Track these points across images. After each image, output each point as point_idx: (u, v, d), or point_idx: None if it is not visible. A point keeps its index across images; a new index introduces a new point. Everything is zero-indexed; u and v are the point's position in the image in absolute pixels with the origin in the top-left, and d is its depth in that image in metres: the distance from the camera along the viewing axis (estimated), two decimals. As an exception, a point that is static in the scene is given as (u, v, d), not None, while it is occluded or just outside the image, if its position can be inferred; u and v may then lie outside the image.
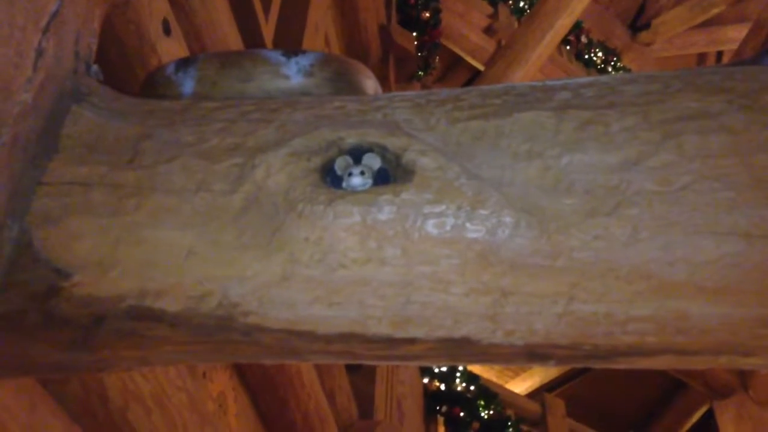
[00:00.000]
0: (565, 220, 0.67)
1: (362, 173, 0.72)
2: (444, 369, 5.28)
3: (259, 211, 0.72)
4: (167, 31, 1.51)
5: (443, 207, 0.69)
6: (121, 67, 1.38)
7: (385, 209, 0.69)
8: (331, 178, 0.73)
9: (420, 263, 0.69)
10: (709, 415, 8.47)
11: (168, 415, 1.35)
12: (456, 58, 7.79)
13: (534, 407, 5.92)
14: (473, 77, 7.71)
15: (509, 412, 5.45)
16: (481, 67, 7.32)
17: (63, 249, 0.72)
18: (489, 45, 7.51)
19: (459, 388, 5.26)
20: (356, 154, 0.73)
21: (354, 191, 0.71)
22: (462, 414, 5.23)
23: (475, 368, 5.66)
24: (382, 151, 0.73)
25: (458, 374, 5.30)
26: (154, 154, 0.76)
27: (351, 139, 0.74)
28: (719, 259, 0.64)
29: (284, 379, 2.27)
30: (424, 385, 5.17)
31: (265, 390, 2.21)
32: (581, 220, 0.67)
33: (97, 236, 0.72)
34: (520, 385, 8.88)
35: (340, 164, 0.73)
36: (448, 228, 0.68)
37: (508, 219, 0.67)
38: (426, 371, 5.20)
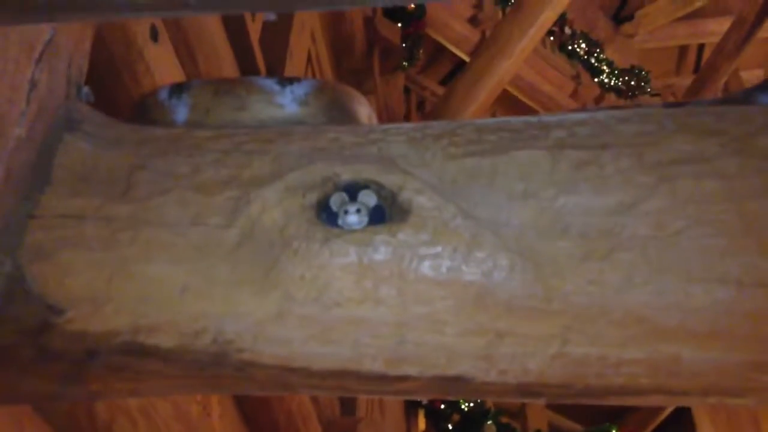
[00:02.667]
0: (560, 264, 0.67)
1: (358, 211, 0.72)
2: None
3: (254, 247, 0.72)
4: (155, 36, 1.50)
5: (439, 248, 0.69)
6: (108, 73, 1.37)
7: (381, 249, 0.69)
8: (326, 214, 0.73)
9: (415, 304, 0.69)
10: (684, 406, 8.59)
11: (154, 425, 1.35)
12: (440, 48, 7.77)
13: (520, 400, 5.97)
14: (457, 68, 7.69)
15: (489, 404, 5.49)
16: (465, 58, 7.31)
17: (56, 284, 0.71)
18: (473, 35, 7.50)
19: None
20: (352, 191, 0.73)
21: (350, 229, 0.71)
22: (442, 406, 5.26)
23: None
24: (377, 187, 0.73)
25: (439, 366, 5.34)
26: (148, 186, 0.76)
27: (346, 175, 0.74)
28: (711, 306, 0.65)
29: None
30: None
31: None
32: (576, 264, 0.67)
33: (90, 271, 0.72)
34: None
35: (335, 201, 0.73)
36: (443, 270, 0.69)
37: (503, 262, 0.68)
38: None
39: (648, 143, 0.72)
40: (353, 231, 0.71)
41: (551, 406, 6.20)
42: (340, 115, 0.86)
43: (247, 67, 2.17)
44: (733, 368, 0.66)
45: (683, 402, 0.71)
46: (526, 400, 0.74)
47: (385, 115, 5.10)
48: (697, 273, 0.66)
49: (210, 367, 0.73)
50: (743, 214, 0.67)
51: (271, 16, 2.37)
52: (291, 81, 0.84)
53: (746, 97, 0.81)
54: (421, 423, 5.32)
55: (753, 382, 0.67)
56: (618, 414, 7.07)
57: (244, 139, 0.81)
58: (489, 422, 5.21)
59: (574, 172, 0.72)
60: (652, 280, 0.66)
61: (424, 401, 5.24)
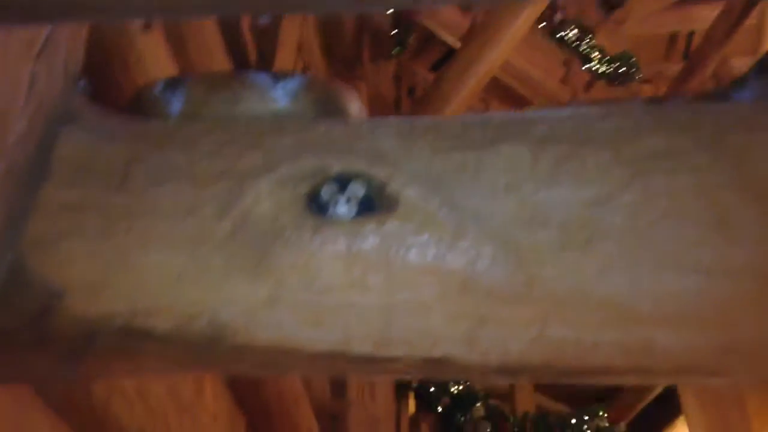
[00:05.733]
0: (541, 253, 0.71)
1: (348, 201, 0.75)
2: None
3: (247, 237, 0.75)
4: (146, 25, 1.51)
5: (425, 238, 0.72)
6: (99, 62, 1.38)
7: (370, 239, 0.73)
8: (317, 205, 0.76)
9: (401, 290, 0.73)
10: (672, 389, 8.70)
11: (149, 406, 1.38)
12: (430, 34, 7.78)
13: (502, 382, 6.04)
14: (448, 54, 7.70)
15: (478, 387, 5.56)
16: (456, 44, 7.32)
17: (56, 272, 0.74)
18: (464, 22, 7.50)
19: (429, 364, 5.35)
20: (342, 182, 0.76)
21: (340, 219, 0.74)
22: (432, 390, 5.33)
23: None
24: (367, 179, 0.76)
25: (429, 350, 5.39)
26: (144, 178, 0.79)
27: (337, 167, 0.77)
28: (682, 293, 0.69)
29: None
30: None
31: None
32: (555, 253, 0.71)
33: (88, 259, 0.75)
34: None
35: (326, 192, 0.76)
36: (429, 258, 0.72)
37: (486, 251, 0.71)
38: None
39: (626, 139, 0.76)
40: (343, 221, 0.74)
41: (539, 390, 6.28)
42: (331, 109, 0.89)
43: (238, 55, 2.19)
44: (704, 350, 0.70)
45: (657, 381, 0.75)
46: (507, 380, 0.77)
47: (376, 102, 5.11)
48: (669, 262, 0.69)
49: (205, 349, 0.76)
50: (714, 207, 0.70)
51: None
52: (283, 76, 0.86)
53: (722, 93, 0.84)
54: (411, 406, 5.38)
55: (722, 363, 0.71)
56: (606, 396, 7.16)
57: (238, 133, 0.83)
58: (478, 405, 5.27)
59: (555, 166, 0.75)
60: (627, 268, 0.70)
61: (414, 384, 5.29)
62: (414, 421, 5.37)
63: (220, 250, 0.75)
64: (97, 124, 0.84)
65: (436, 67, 7.87)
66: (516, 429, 5.48)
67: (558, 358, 0.73)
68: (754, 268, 0.68)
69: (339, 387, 3.47)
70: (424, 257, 0.72)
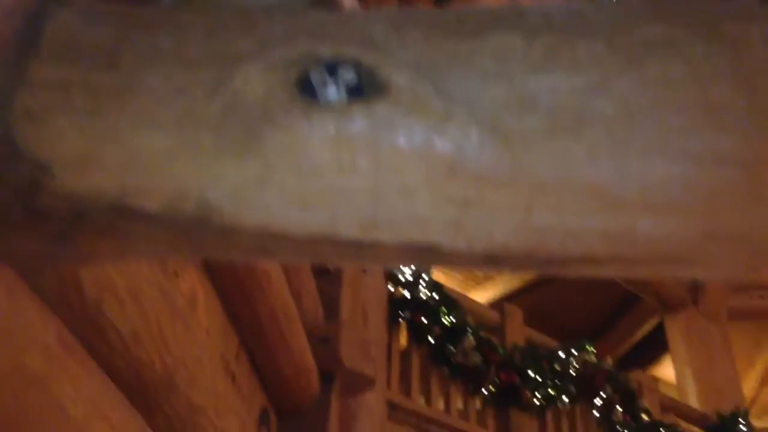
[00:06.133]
0: (528, 139, 0.71)
1: (338, 86, 0.74)
2: (409, 278, 5.42)
3: (236, 119, 0.75)
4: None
5: (414, 122, 0.72)
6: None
7: (358, 122, 0.73)
8: (306, 89, 0.76)
9: (389, 173, 0.73)
10: (660, 328, 8.87)
11: (141, 308, 1.40)
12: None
13: (493, 315, 6.14)
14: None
15: (470, 319, 5.65)
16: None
17: (44, 147, 0.74)
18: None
19: (423, 296, 5.42)
20: (332, 67, 0.76)
21: (329, 103, 0.74)
22: (424, 320, 5.41)
23: (440, 278, 5.81)
24: (357, 65, 0.76)
25: (422, 283, 5.45)
26: (133, 59, 0.78)
27: (328, 52, 0.76)
28: (669, 180, 0.69)
29: (252, 276, 2.34)
30: (389, 292, 5.31)
31: (232, 287, 2.28)
32: (543, 139, 0.71)
33: (77, 136, 0.75)
34: (482, 295, 9.15)
35: (316, 76, 0.75)
36: (417, 142, 0.72)
37: (474, 135, 0.71)
38: (391, 278, 5.33)
39: (620, 28, 0.75)
40: (332, 105, 0.74)
41: (530, 324, 6.39)
42: (325, 1, 0.88)
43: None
44: (686, 238, 0.71)
45: (638, 271, 0.76)
46: (492, 269, 0.78)
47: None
48: (657, 149, 0.69)
49: (193, 230, 0.77)
50: (706, 97, 0.70)
51: None
52: (275, -39, 0.85)
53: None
54: (403, 337, 5.47)
55: (703, 251, 0.72)
56: (594, 333, 7.29)
57: (229, 19, 0.82)
58: (469, 336, 5.37)
59: (546, 55, 0.74)
60: (615, 155, 0.70)
61: (407, 315, 5.37)
62: (406, 353, 5.47)
63: (209, 131, 0.75)
64: (87, 7, 0.83)
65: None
66: (505, 360, 5.59)
67: (541, 246, 0.74)
68: (742, 157, 0.69)
69: (332, 310, 3.52)
70: (412, 141, 0.72)
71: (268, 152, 0.74)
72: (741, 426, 7.10)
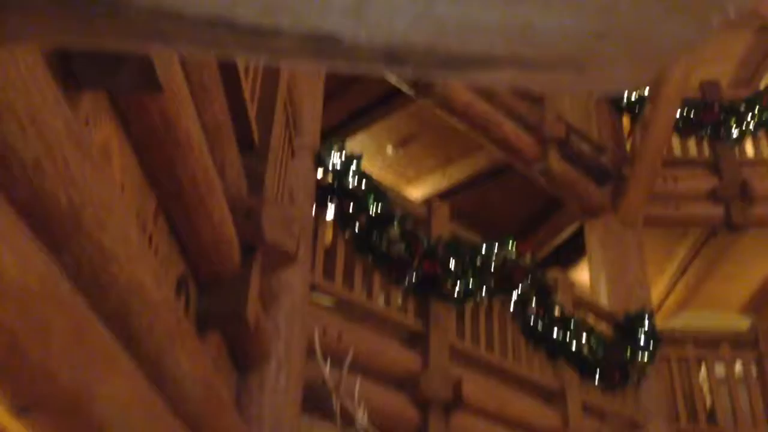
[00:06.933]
0: None
1: None
2: (338, 167, 5.41)
3: None
4: None
5: None
6: None
7: None
8: None
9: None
10: (580, 233, 9.21)
11: (44, 138, 1.35)
12: None
13: (420, 209, 6.23)
14: None
15: (397, 210, 5.72)
16: None
17: None
18: None
19: (351, 185, 5.43)
20: None
21: None
22: (351, 208, 5.45)
23: (373, 174, 5.82)
24: None
25: (351, 171, 5.45)
26: None
27: None
28: None
29: (172, 140, 2.29)
30: (317, 179, 5.31)
31: (151, 147, 2.22)
32: None
33: None
34: (410, 194, 9.26)
35: None
36: None
37: None
38: (320, 165, 5.31)
39: None
40: None
41: (456, 219, 6.51)
42: None
43: None
44: (581, 36, 0.72)
45: (536, 75, 0.77)
46: (392, 70, 0.78)
47: None
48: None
49: (81, 6, 0.73)
50: None
51: None
52: None
53: None
54: (329, 225, 5.50)
55: (596, 52, 0.73)
56: (518, 236, 7.50)
57: None
58: (395, 225, 5.44)
59: None
60: None
61: (335, 203, 5.38)
62: (331, 241, 5.52)
63: None
64: None
65: None
66: (428, 251, 5.72)
67: (441, 41, 0.74)
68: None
69: (257, 187, 3.50)
70: None
71: None
72: (646, 325, 7.55)
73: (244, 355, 3.81)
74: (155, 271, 2.05)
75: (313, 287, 4.84)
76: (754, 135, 9.23)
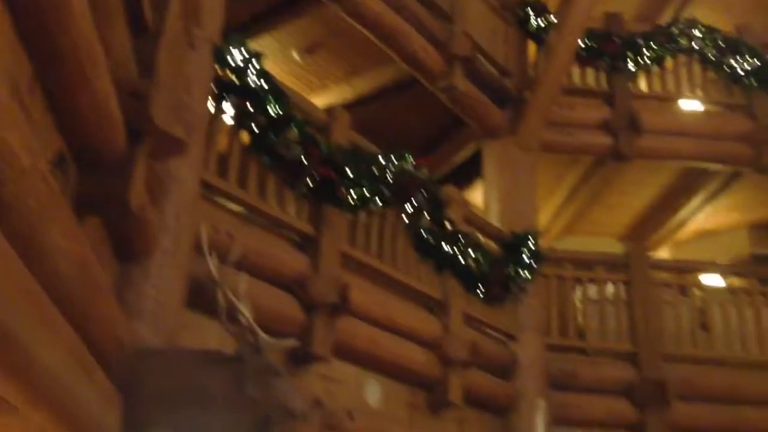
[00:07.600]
0: None
1: None
2: (239, 63, 5.25)
3: None
4: None
5: None
6: None
7: None
8: None
9: None
10: (478, 155, 9.42)
11: None
12: None
13: (321, 115, 6.18)
14: None
15: (297, 113, 5.64)
16: None
17: None
18: None
19: (251, 83, 5.30)
20: None
21: None
22: (251, 107, 5.33)
23: (275, 74, 5.67)
24: None
25: (252, 69, 5.31)
26: None
27: None
28: None
29: (52, 8, 2.16)
30: (217, 75, 5.14)
31: (27, 8, 2.08)
32: None
33: None
34: (314, 101, 9.15)
35: None
36: None
37: None
38: (220, 61, 5.14)
39: None
40: None
41: (357, 129, 6.51)
42: None
43: None
44: None
45: None
46: None
47: None
48: None
49: None
50: None
51: None
52: None
53: None
54: (226, 122, 5.37)
55: None
56: (418, 152, 7.58)
57: None
58: (293, 128, 5.39)
59: None
60: None
61: (233, 100, 5.25)
62: (227, 139, 5.41)
63: None
64: None
65: None
66: (326, 157, 5.71)
67: None
68: None
69: (148, 71, 3.35)
70: None
71: None
72: (530, 244, 7.90)
73: (126, 244, 3.71)
74: (25, 136, 1.95)
75: (207, 186, 4.76)
76: (649, 70, 9.59)
